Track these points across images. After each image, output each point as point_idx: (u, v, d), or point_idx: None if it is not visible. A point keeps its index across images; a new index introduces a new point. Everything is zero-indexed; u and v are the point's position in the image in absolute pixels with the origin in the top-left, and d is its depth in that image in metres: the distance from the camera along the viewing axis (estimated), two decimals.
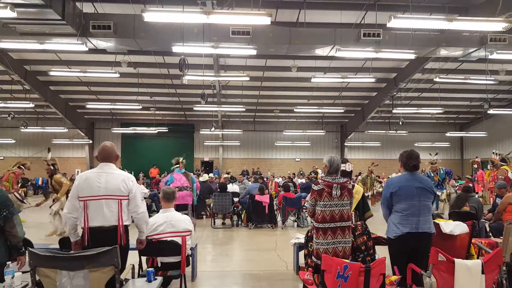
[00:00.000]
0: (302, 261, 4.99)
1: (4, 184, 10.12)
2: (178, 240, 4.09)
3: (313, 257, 3.90)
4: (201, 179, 12.26)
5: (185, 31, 9.27)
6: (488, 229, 6.42)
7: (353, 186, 4.50)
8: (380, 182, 14.66)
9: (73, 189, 3.41)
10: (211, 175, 14.38)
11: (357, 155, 25.10)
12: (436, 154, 11.99)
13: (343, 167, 4.39)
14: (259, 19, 7.00)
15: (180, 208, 8.64)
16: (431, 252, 3.33)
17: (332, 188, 3.81)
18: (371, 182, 14.00)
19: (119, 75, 12.13)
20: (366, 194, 10.14)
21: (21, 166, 10.42)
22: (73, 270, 2.88)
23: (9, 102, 15.76)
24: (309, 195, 10.10)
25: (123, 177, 3.44)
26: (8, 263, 3.07)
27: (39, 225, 10.04)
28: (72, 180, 9.75)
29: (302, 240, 5.00)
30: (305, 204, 10.27)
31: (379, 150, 25.21)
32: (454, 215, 5.81)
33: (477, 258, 4.48)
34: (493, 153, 13.80)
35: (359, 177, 14.58)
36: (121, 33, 9.54)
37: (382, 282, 3.18)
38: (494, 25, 7.47)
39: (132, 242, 3.65)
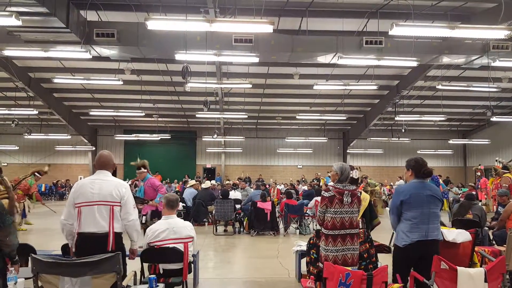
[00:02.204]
0: (304, 268, 4.97)
1: (17, 192, 10.17)
2: (180, 247, 4.09)
3: (319, 263, 3.89)
4: (203, 186, 12.27)
5: (188, 39, 9.35)
6: (491, 237, 6.38)
7: (361, 193, 4.50)
8: (376, 186, 14.54)
9: (70, 196, 3.47)
10: (213, 182, 14.39)
11: (360, 162, 25.01)
12: None
13: (350, 174, 4.38)
14: (262, 27, 7.06)
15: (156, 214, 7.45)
16: (433, 260, 3.31)
17: (344, 195, 3.81)
18: (369, 185, 13.91)
19: (122, 83, 12.22)
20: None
21: (37, 174, 10.45)
22: (76, 276, 2.88)
23: (13, 109, 15.89)
24: (311, 202, 9.99)
25: (116, 183, 3.48)
26: (11, 269, 3.07)
27: (43, 231, 10.07)
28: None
29: (304, 248, 4.99)
30: (307, 212, 10.25)
31: (382, 157, 25.16)
32: (457, 223, 5.78)
33: (480, 266, 4.46)
34: (496, 160, 13.75)
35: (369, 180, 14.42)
36: (124, 41, 9.62)
37: None
38: (497, 32, 7.49)
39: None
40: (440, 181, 8.64)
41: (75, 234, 3.33)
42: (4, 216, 3.20)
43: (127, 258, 3.62)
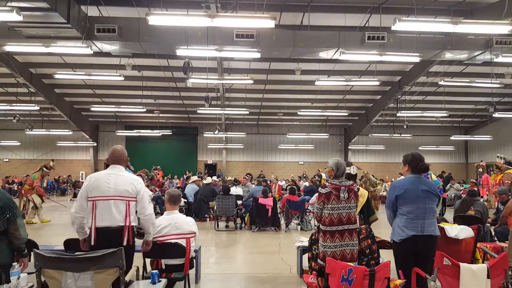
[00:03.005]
0: (306, 264, 4.97)
1: (25, 187, 10.29)
2: (182, 242, 4.09)
3: (319, 260, 3.89)
4: (204, 181, 12.28)
5: (189, 34, 9.32)
6: (493, 233, 6.38)
7: (358, 189, 4.48)
8: (377, 185, 14.52)
9: (82, 190, 3.47)
10: (214, 177, 14.40)
11: (361, 159, 25.04)
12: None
13: (347, 170, 4.38)
14: (263, 22, 7.02)
15: None
16: (436, 256, 3.31)
17: (340, 191, 3.81)
18: (371, 185, 13.89)
19: (123, 78, 12.20)
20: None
21: (44, 169, 10.56)
22: (78, 271, 2.88)
23: (15, 104, 15.89)
24: (313, 198, 10.00)
25: (131, 179, 3.52)
26: (14, 264, 3.08)
27: (46, 226, 10.10)
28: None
29: (306, 243, 4.98)
30: (308, 207, 10.25)
31: (383, 154, 25.14)
32: (459, 219, 5.78)
33: (482, 262, 4.45)
34: (497, 156, 13.70)
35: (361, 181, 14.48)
36: (125, 36, 9.60)
37: (386, 286, 3.17)
38: (500, 28, 7.44)
39: (137, 243, 3.66)
40: (433, 177, 8.48)
41: (92, 228, 3.34)
42: (14, 209, 3.23)
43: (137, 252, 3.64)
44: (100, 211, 3.34)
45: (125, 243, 3.29)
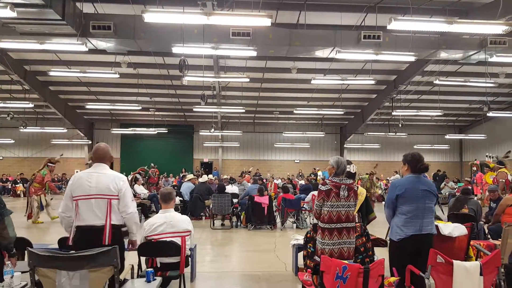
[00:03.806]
0: (301, 262, 4.98)
1: (35, 185, 10.21)
2: (178, 240, 4.09)
3: (316, 257, 3.91)
4: (200, 180, 12.27)
5: (185, 32, 9.29)
6: (486, 231, 6.44)
7: (358, 187, 4.50)
8: (376, 188, 14.58)
9: (67, 189, 3.45)
10: (210, 176, 14.39)
11: (357, 157, 25.11)
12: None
13: (347, 168, 4.39)
14: (260, 20, 7.01)
15: None
16: (429, 254, 3.33)
17: (340, 189, 3.83)
18: (370, 186, 13.94)
19: (118, 76, 12.13)
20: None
21: (49, 164, 10.49)
22: (73, 270, 2.87)
23: (9, 102, 15.74)
24: (308, 196, 10.02)
25: (113, 177, 3.46)
26: (8, 262, 3.06)
27: (39, 224, 10.05)
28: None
29: (301, 241, 5.00)
30: (304, 206, 10.28)
31: (379, 152, 25.23)
32: (453, 217, 5.82)
33: (476, 260, 4.49)
34: (487, 156, 13.78)
35: (359, 177, 14.50)
36: (121, 33, 9.55)
37: (380, 283, 3.19)
38: (494, 28, 7.49)
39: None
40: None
41: (72, 227, 3.33)
42: (2, 209, 3.19)
43: (126, 251, 3.61)
44: (82, 210, 3.31)
45: (106, 242, 3.24)
